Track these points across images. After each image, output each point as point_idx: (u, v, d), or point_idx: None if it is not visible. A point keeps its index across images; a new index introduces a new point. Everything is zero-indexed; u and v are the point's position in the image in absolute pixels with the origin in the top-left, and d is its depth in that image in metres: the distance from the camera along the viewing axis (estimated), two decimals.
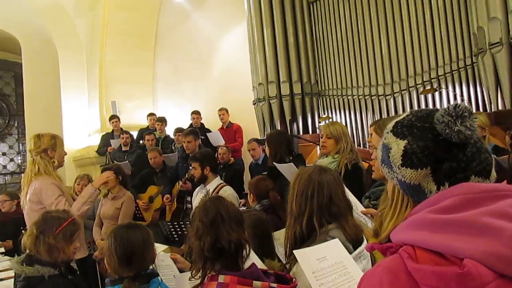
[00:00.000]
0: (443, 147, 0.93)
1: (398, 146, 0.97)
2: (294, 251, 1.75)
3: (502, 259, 0.81)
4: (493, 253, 0.81)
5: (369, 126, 6.53)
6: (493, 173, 0.96)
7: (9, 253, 4.83)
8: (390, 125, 1.03)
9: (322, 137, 3.54)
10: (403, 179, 0.96)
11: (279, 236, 2.52)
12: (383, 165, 1.03)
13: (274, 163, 3.84)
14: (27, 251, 2.45)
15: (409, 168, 0.95)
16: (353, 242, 1.91)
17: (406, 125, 0.98)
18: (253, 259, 1.89)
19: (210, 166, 4.21)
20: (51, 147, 3.32)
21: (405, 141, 0.96)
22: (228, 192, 4.10)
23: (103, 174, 3.79)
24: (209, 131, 7.59)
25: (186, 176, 5.06)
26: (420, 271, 0.83)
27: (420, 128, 0.96)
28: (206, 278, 1.65)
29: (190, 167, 5.17)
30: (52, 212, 2.56)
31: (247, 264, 1.73)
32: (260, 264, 1.96)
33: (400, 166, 0.96)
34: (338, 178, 2.05)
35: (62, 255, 2.38)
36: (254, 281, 1.56)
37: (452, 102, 5.88)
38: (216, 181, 4.22)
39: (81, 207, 3.32)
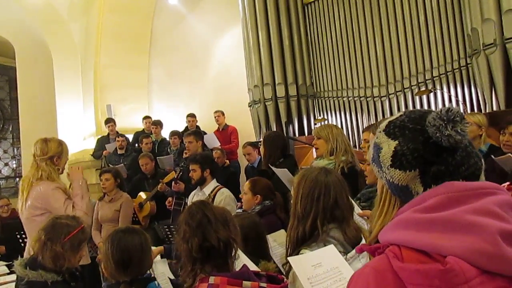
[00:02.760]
0: (433, 150, 0.93)
1: (389, 146, 0.98)
2: (289, 258, 1.76)
3: (485, 256, 0.82)
4: (476, 250, 0.82)
5: (364, 127, 6.57)
6: (482, 178, 0.97)
7: (3, 258, 4.80)
8: (383, 124, 1.03)
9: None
10: (391, 179, 0.97)
11: (276, 238, 2.52)
12: (373, 163, 1.04)
13: (271, 166, 3.85)
14: (32, 254, 2.42)
15: (398, 170, 0.96)
16: (353, 244, 1.91)
17: (398, 126, 0.99)
18: (244, 261, 1.89)
19: (210, 168, 4.20)
20: (57, 154, 3.24)
21: (396, 142, 0.97)
22: (225, 194, 4.09)
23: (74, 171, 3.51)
24: (205, 133, 7.59)
25: (175, 177, 5.04)
26: (405, 270, 0.84)
27: (412, 130, 0.96)
28: (196, 280, 1.66)
29: (180, 168, 5.16)
30: (61, 218, 2.49)
31: (238, 266, 1.73)
32: (251, 266, 1.96)
33: (389, 167, 0.97)
34: (342, 180, 2.05)
35: (67, 263, 2.33)
36: (244, 281, 1.58)
37: (447, 103, 5.92)
38: (213, 184, 4.21)
39: (82, 204, 3.24)
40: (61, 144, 3.31)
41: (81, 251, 2.46)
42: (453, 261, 0.81)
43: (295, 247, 1.94)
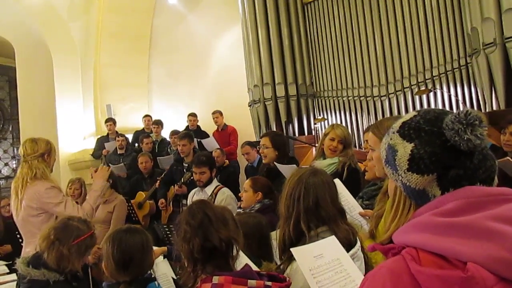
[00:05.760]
0: (451, 154, 0.91)
1: (404, 149, 0.95)
2: (291, 249, 1.74)
3: (504, 263, 0.81)
4: (496, 257, 0.81)
5: (364, 127, 6.58)
6: (496, 180, 0.96)
7: (3, 257, 4.80)
8: (396, 125, 1.01)
9: (333, 140, 3.41)
10: (408, 183, 0.95)
11: (276, 236, 2.51)
12: (387, 165, 1.01)
13: (276, 164, 3.81)
14: (35, 253, 2.42)
15: (415, 173, 0.93)
16: (344, 245, 1.89)
17: (413, 128, 0.96)
18: (245, 260, 1.87)
19: (215, 168, 4.22)
20: (47, 151, 3.26)
21: (412, 145, 0.94)
22: (226, 193, 4.09)
23: (102, 170, 3.67)
24: (206, 133, 7.59)
25: (182, 180, 5.03)
26: (423, 274, 0.83)
27: (428, 132, 0.94)
28: (198, 281, 1.64)
29: (185, 170, 5.15)
30: (74, 219, 2.48)
31: (239, 265, 1.72)
32: (252, 266, 1.95)
33: (406, 171, 0.95)
34: (329, 182, 1.99)
35: (70, 266, 2.32)
36: (249, 280, 1.56)
37: (447, 102, 5.91)
38: (214, 183, 4.21)
39: (96, 199, 3.36)
40: (48, 142, 3.33)
41: (85, 256, 2.45)
42: (474, 268, 0.80)
43: (283, 249, 1.91)
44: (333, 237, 1.79)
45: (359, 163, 3.52)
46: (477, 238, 0.83)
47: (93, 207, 3.33)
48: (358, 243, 1.94)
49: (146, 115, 8.61)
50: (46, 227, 2.49)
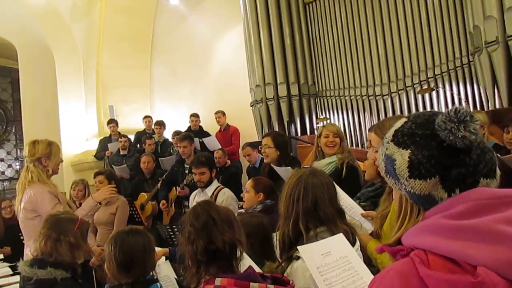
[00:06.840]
0: (449, 154, 0.91)
1: (402, 157, 0.94)
2: (298, 247, 1.74)
3: None
4: (506, 261, 0.80)
5: (367, 126, 6.57)
6: (498, 171, 0.95)
7: (7, 259, 4.81)
8: (389, 134, 1.00)
9: (327, 136, 3.45)
10: (412, 190, 0.94)
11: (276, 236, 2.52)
12: (388, 176, 1.00)
13: (273, 166, 3.82)
14: (38, 255, 2.43)
15: (417, 179, 0.92)
16: None
17: (407, 134, 0.95)
18: (248, 262, 1.87)
19: (215, 169, 4.21)
20: (45, 155, 3.23)
21: (409, 151, 0.93)
22: (227, 194, 4.08)
23: (105, 189, 3.54)
24: (208, 133, 7.59)
25: (184, 182, 5.03)
26: (433, 278, 0.82)
27: (422, 136, 0.93)
28: (201, 282, 1.63)
29: (187, 172, 5.15)
30: (59, 214, 2.58)
31: (243, 267, 1.71)
32: (255, 267, 1.95)
33: (408, 178, 0.94)
34: (328, 183, 1.99)
35: (82, 252, 2.45)
36: (251, 283, 1.54)
37: (449, 101, 5.88)
38: (214, 184, 4.21)
39: (83, 217, 3.33)
40: (49, 145, 3.29)
41: (87, 237, 2.60)
42: (484, 273, 0.79)
43: (282, 249, 1.91)
44: (341, 234, 1.79)
45: (360, 162, 3.53)
46: (487, 241, 0.82)
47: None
48: (358, 243, 1.94)
49: (146, 116, 8.64)
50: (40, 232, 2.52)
